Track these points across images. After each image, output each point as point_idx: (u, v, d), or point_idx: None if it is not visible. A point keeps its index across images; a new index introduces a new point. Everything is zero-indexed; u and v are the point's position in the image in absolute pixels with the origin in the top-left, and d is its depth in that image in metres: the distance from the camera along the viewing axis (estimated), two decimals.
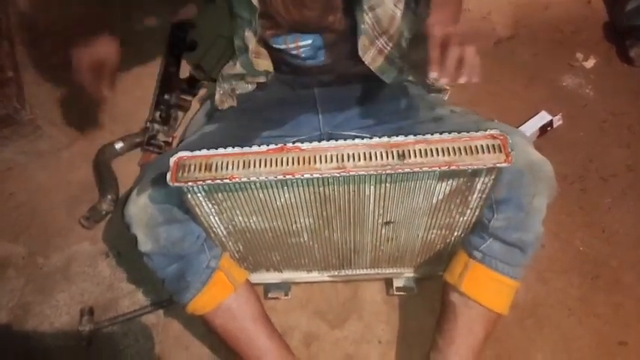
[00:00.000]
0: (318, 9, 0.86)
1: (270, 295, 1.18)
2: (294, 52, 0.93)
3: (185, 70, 1.48)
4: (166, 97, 1.41)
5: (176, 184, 0.71)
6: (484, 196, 0.81)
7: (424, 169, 0.70)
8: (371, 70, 0.93)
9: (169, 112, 1.42)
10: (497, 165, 0.70)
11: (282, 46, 0.92)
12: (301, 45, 0.92)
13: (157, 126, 1.38)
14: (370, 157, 0.70)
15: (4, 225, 1.39)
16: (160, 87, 1.44)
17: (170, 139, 1.40)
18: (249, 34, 0.89)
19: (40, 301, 1.27)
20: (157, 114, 1.39)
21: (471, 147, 0.70)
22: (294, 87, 1.01)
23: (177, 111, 1.45)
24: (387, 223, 0.89)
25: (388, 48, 0.93)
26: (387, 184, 0.76)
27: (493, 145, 0.70)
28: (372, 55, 0.92)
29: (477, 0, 1.64)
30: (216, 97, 1.03)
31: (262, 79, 0.99)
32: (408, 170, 0.70)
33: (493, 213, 0.86)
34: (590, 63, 1.53)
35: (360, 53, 0.90)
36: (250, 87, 1.01)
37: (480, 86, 1.51)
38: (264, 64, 0.94)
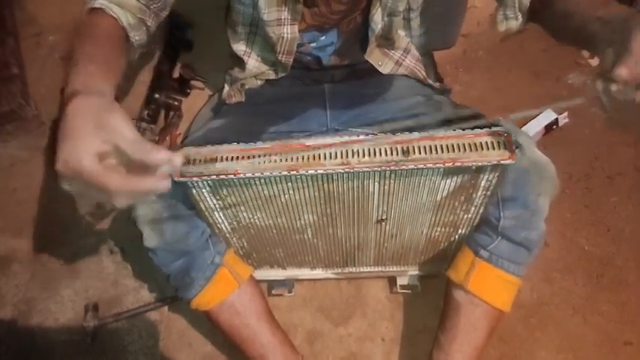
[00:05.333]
0: (345, 4, 0.87)
1: (273, 292, 1.18)
2: (301, 48, 0.94)
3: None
4: (156, 95, 1.39)
5: (181, 179, 0.71)
6: (488, 193, 0.81)
7: (428, 165, 0.69)
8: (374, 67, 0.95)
9: (158, 110, 1.41)
10: (502, 162, 0.69)
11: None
12: (316, 43, 0.93)
13: (144, 124, 1.37)
14: (374, 154, 0.70)
15: (8, 220, 1.39)
16: (151, 86, 1.43)
17: (157, 138, 1.39)
18: (288, 29, 0.87)
19: (45, 297, 1.28)
20: (145, 112, 1.37)
21: (475, 144, 0.70)
22: (306, 82, 1.01)
23: (168, 110, 1.44)
24: (386, 220, 0.88)
25: (393, 51, 0.96)
26: (392, 181, 0.76)
27: (498, 142, 0.70)
28: (376, 54, 0.94)
29: None
30: (225, 91, 1.03)
31: (272, 76, 0.99)
32: (412, 167, 0.69)
33: (500, 212, 0.86)
34: (596, 61, 1.51)
35: (366, 56, 0.93)
36: (260, 82, 1.01)
37: (486, 82, 1.51)
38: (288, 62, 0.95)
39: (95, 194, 0.50)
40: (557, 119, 1.38)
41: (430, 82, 1.01)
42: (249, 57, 0.99)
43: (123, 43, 0.71)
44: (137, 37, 0.73)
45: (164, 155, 0.49)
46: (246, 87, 1.02)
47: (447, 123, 0.91)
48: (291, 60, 0.92)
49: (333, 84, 1.01)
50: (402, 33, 0.96)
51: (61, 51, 1.57)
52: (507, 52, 1.55)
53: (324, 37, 0.94)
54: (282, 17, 0.85)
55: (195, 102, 1.42)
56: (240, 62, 1.02)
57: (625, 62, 0.54)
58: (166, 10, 0.80)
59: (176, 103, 1.42)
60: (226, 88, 1.05)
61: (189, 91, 1.48)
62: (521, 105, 1.45)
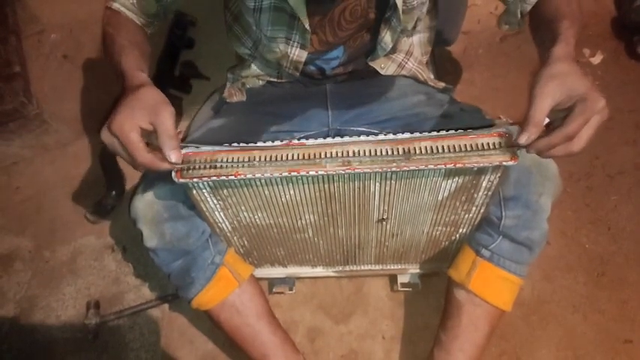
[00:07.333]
0: (352, 29, 0.87)
1: (274, 290, 1.18)
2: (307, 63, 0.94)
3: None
4: None
5: (181, 181, 0.71)
6: (490, 193, 0.81)
7: (429, 166, 0.69)
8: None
9: None
10: (504, 163, 0.69)
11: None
12: (322, 56, 0.93)
13: None
14: (376, 155, 0.70)
15: (10, 218, 1.40)
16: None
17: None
18: (296, 51, 0.88)
19: (47, 294, 1.28)
20: None
21: (477, 145, 0.70)
22: (306, 84, 1.01)
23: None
24: (387, 219, 0.88)
25: (396, 54, 0.96)
26: (393, 182, 0.76)
27: (500, 143, 0.70)
28: (379, 59, 0.94)
29: None
30: (226, 89, 1.03)
31: (274, 78, 0.99)
32: (414, 168, 0.69)
33: (501, 211, 0.86)
34: (597, 59, 1.52)
35: (370, 62, 0.93)
36: (261, 82, 1.01)
37: (486, 82, 1.50)
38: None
39: (123, 154, 0.67)
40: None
41: (431, 83, 1.01)
42: (253, 60, 1.00)
43: (145, 32, 0.88)
44: (149, 31, 0.90)
45: (173, 159, 0.67)
46: (248, 86, 1.02)
47: (449, 121, 0.92)
48: (298, 73, 0.92)
49: (335, 84, 1.01)
50: (405, 37, 0.95)
51: (63, 49, 1.57)
52: (506, 52, 1.54)
53: (329, 52, 0.93)
54: (292, 39, 0.86)
55: (196, 100, 1.43)
56: (243, 61, 1.02)
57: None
58: (170, 14, 0.94)
59: (177, 100, 1.43)
60: (227, 86, 1.05)
61: (189, 88, 1.48)
62: (523, 105, 1.45)
